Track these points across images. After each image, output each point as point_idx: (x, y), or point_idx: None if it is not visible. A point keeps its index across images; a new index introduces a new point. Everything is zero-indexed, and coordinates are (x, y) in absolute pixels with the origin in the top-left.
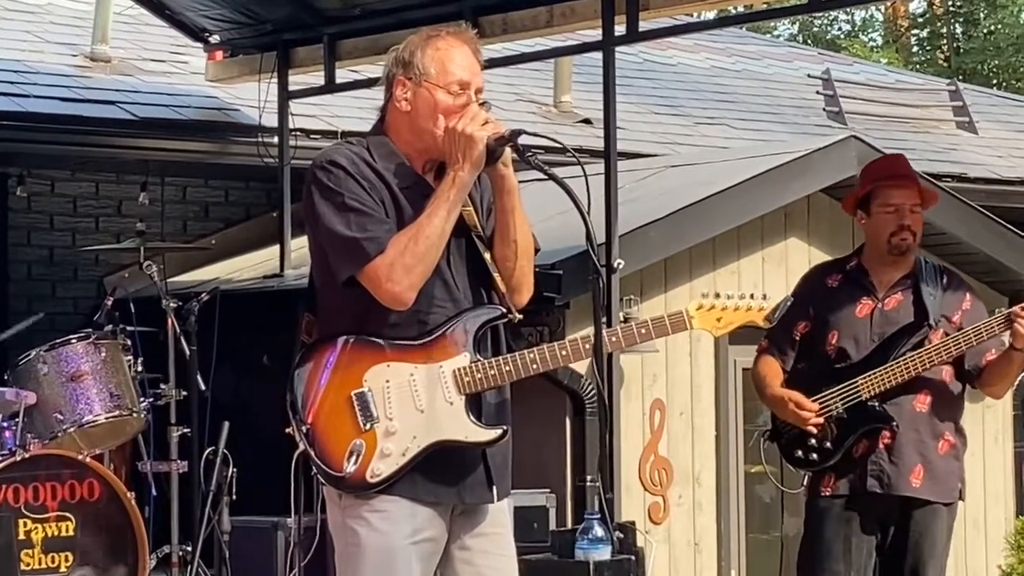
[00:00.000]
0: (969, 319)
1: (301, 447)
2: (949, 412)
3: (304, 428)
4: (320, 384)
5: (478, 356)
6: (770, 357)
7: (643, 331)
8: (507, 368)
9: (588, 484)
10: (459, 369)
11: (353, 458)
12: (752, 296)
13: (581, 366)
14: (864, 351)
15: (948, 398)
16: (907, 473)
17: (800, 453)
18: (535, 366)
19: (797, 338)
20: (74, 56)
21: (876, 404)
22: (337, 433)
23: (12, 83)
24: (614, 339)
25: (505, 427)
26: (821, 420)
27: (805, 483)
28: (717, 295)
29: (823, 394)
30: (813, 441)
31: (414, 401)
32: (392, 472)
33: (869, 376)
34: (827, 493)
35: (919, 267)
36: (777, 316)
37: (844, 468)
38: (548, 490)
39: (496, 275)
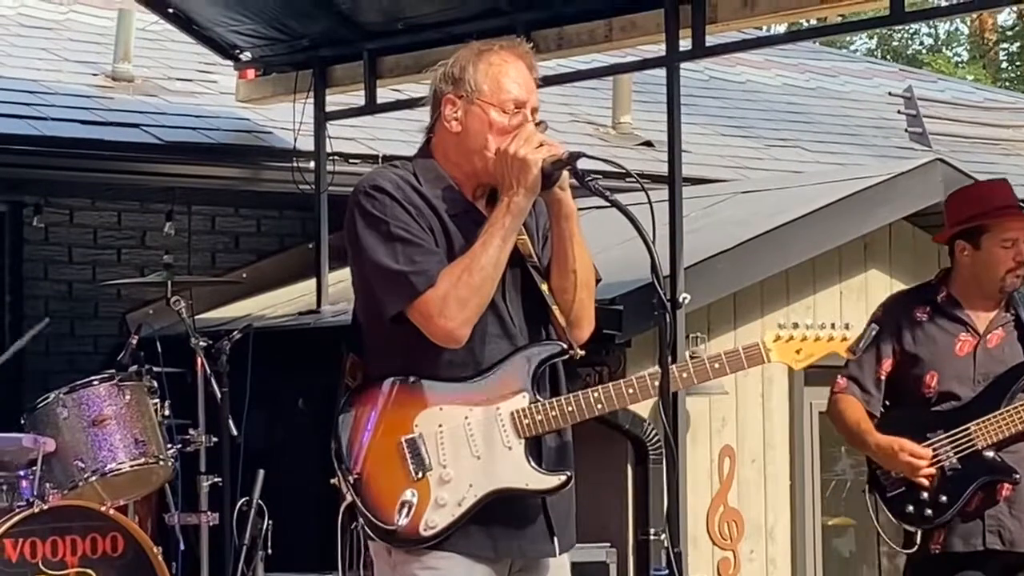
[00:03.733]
0: None
1: (348, 499)
2: None
3: (351, 478)
4: (367, 430)
5: (537, 396)
6: (852, 398)
7: (716, 366)
8: (569, 408)
9: (652, 538)
10: (518, 411)
11: (405, 510)
12: (834, 326)
13: (644, 409)
14: (970, 394)
15: None
16: None
17: (912, 508)
18: (600, 406)
19: (882, 377)
20: (94, 75)
21: (994, 454)
22: (387, 483)
23: (28, 105)
24: (685, 375)
25: (568, 473)
26: (933, 471)
27: (904, 537)
28: (795, 325)
29: (930, 441)
30: (926, 495)
31: (470, 447)
32: (448, 524)
33: (983, 423)
34: (938, 550)
35: (1011, 298)
36: (862, 347)
37: (957, 522)
38: (608, 544)
39: (554, 308)
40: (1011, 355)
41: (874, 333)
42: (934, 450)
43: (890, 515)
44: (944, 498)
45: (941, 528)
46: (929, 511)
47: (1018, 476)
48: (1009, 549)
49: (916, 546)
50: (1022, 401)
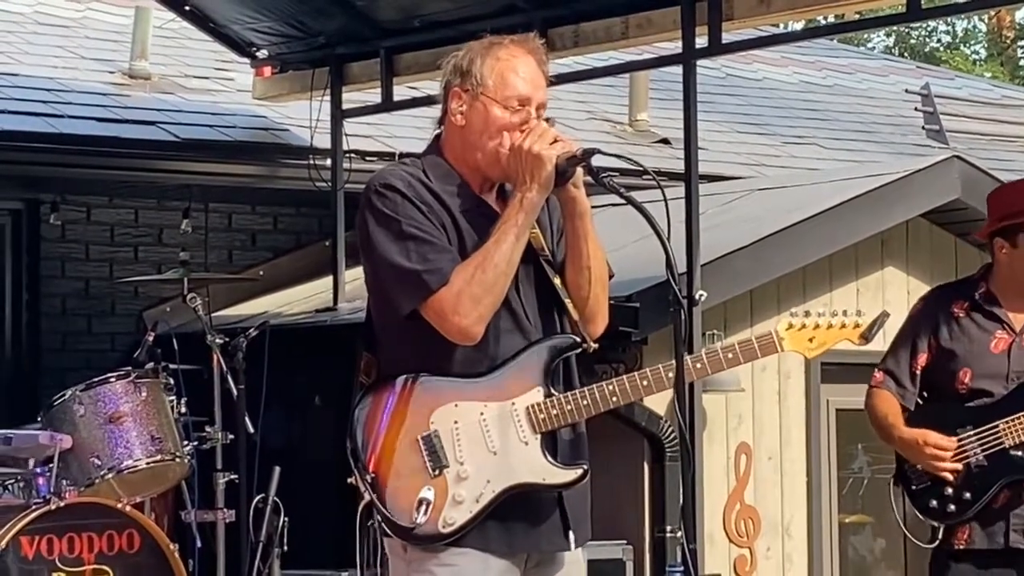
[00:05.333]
0: None
1: (366, 498)
2: None
3: (368, 477)
4: (382, 428)
5: (552, 390)
6: (887, 393)
7: (730, 356)
8: (584, 402)
9: (668, 535)
10: (533, 405)
11: (423, 507)
12: (846, 313)
13: (660, 406)
14: (1002, 392)
15: None
16: None
17: (935, 503)
18: (615, 398)
19: (917, 371)
20: (111, 73)
21: (1022, 453)
22: (404, 481)
23: (45, 102)
24: (699, 366)
25: (585, 466)
26: (959, 466)
27: (931, 533)
28: (807, 313)
29: (959, 437)
30: (950, 490)
31: (486, 442)
32: (466, 521)
33: (1012, 422)
34: (961, 546)
35: None
36: (874, 333)
37: (982, 520)
38: (625, 542)
39: (567, 301)
40: None
41: (886, 320)
42: (961, 446)
43: (914, 509)
44: (968, 495)
45: (965, 524)
46: (952, 507)
47: None
48: None
49: (938, 541)
50: None
